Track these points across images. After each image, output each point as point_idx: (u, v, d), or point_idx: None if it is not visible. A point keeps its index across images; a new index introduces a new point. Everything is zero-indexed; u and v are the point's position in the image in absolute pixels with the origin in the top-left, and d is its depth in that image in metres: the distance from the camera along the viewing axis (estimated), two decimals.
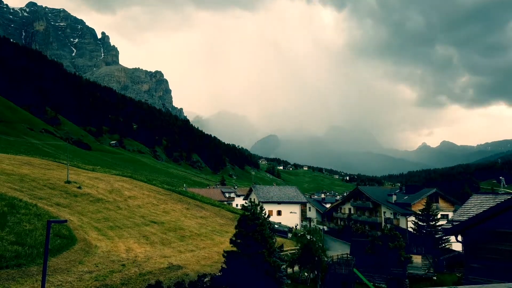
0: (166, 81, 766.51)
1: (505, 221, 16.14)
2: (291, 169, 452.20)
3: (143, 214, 38.67)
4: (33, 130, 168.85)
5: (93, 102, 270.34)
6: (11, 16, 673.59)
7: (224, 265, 19.34)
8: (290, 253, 33.93)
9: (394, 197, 64.11)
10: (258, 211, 19.76)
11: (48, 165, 56.23)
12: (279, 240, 34.99)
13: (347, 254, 39.27)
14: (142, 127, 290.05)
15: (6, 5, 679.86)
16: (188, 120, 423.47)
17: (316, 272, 30.34)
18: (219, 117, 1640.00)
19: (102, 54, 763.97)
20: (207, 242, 33.28)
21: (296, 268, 31.64)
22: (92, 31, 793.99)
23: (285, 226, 55.93)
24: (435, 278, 33.95)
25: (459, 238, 18.29)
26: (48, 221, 12.31)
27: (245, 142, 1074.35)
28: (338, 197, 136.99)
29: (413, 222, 48.95)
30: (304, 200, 73.35)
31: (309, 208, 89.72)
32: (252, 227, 19.03)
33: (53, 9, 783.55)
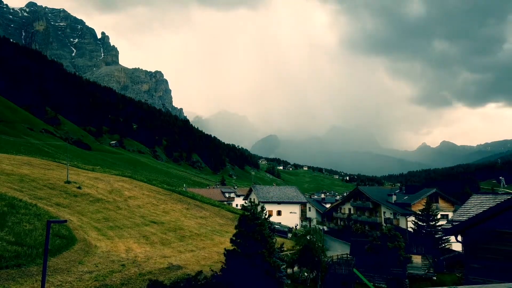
0: (166, 81, 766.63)
1: (505, 221, 16.11)
2: (291, 169, 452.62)
3: (143, 214, 38.66)
4: (33, 130, 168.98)
5: (93, 102, 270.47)
6: (11, 16, 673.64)
7: (224, 265, 19.32)
8: (290, 253, 33.86)
9: (394, 197, 64.12)
10: (258, 211, 19.74)
11: (48, 165, 56.21)
12: (279, 240, 34.92)
13: (347, 254, 39.22)
14: (142, 127, 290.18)
15: (6, 5, 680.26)
16: (188, 120, 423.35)
17: (316, 272, 30.30)
18: (219, 117, 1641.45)
19: (102, 54, 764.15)
20: (207, 242, 33.25)
21: (296, 268, 31.61)
22: (92, 31, 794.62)
23: (285, 226, 55.91)
24: (435, 278, 33.94)
25: (459, 238, 18.25)
26: (48, 221, 12.28)
27: (245, 142, 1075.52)
28: (338, 197, 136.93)
29: (413, 222, 48.96)
30: (304, 200, 73.35)
31: (309, 208, 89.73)
32: (252, 227, 19.00)
33: (53, 9, 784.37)
